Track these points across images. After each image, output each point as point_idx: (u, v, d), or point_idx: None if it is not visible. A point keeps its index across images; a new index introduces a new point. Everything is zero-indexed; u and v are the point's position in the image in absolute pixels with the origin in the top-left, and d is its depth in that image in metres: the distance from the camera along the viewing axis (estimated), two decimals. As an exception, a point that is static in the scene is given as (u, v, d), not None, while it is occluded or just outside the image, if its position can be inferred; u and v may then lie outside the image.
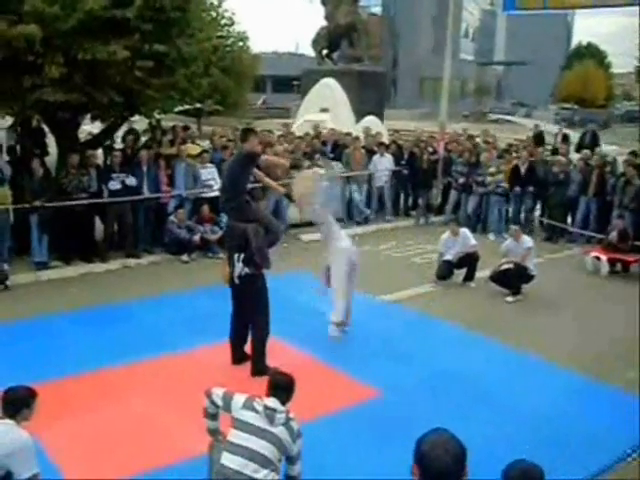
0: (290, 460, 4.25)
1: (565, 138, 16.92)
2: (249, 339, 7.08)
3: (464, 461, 2.57)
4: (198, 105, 30.07)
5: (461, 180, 14.49)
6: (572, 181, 13.50)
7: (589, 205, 13.37)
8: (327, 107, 21.37)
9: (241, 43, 34.15)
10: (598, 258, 11.35)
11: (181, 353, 7.40)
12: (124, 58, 9.85)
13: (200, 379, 6.15)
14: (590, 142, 16.84)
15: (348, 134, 15.99)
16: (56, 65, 9.62)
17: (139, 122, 15.54)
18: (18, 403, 4.26)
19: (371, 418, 6.01)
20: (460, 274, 10.48)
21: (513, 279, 9.84)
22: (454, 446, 2.59)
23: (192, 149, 12.87)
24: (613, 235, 11.42)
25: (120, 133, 13.82)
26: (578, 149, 16.35)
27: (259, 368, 6.72)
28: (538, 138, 16.77)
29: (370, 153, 15.04)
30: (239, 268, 6.80)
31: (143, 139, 13.60)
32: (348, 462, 5.31)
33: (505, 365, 7.39)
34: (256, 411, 4.20)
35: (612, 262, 11.32)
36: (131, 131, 14.09)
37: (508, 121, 36.25)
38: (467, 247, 10.36)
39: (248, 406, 4.25)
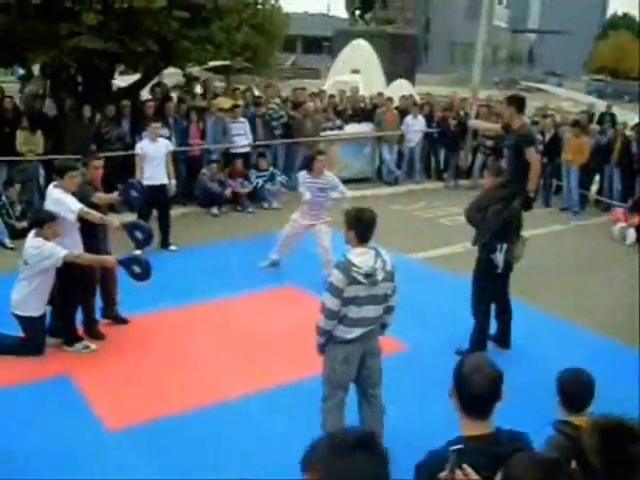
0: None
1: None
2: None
3: (500, 385, 2.65)
4: (227, 62, 29.97)
5: (488, 143, 14.37)
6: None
7: (612, 173, 13.31)
8: (358, 68, 21.17)
9: (273, 1, 33.86)
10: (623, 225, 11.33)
11: (209, 302, 7.65)
12: (161, 7, 9.84)
13: (227, 327, 6.27)
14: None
15: (380, 94, 15.89)
16: (93, 12, 9.65)
17: (169, 77, 15.52)
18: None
19: (402, 370, 6.03)
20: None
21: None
22: (491, 370, 2.66)
23: (224, 103, 12.84)
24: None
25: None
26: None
27: None
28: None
29: (402, 114, 14.93)
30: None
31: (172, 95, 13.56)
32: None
33: (532, 326, 7.40)
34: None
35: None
36: (160, 84, 14.05)
37: (539, 89, 35.56)
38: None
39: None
